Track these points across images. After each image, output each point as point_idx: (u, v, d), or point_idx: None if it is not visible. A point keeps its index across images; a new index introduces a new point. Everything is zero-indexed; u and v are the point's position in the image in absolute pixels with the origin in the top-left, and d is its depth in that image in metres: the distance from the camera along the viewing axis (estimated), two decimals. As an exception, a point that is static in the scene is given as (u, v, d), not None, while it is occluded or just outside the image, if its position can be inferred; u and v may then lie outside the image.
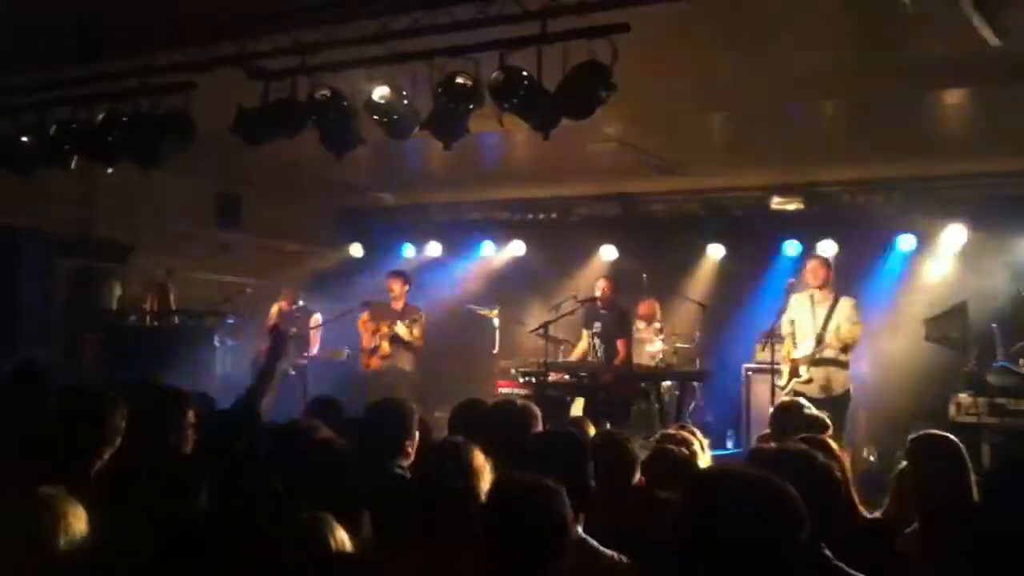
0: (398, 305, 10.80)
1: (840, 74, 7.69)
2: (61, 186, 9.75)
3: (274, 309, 11.32)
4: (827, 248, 10.95)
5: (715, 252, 12.09)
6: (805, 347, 8.92)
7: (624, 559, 3.44)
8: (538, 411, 4.92)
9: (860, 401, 9.68)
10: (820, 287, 8.97)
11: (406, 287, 10.86)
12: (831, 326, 8.73)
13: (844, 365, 8.82)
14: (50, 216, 10.44)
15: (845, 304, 8.86)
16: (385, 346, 10.64)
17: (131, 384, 5.38)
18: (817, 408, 8.07)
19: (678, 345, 11.49)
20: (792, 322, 9.11)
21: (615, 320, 9.85)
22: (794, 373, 8.94)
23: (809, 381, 8.80)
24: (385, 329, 10.62)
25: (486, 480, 3.54)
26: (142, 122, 7.28)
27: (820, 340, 8.78)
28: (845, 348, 8.73)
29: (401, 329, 10.51)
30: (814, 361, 8.82)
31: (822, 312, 8.89)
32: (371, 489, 4.33)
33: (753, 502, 2.47)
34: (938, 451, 4.29)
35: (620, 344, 9.63)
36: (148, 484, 4.09)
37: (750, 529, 2.42)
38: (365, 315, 10.91)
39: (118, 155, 7.67)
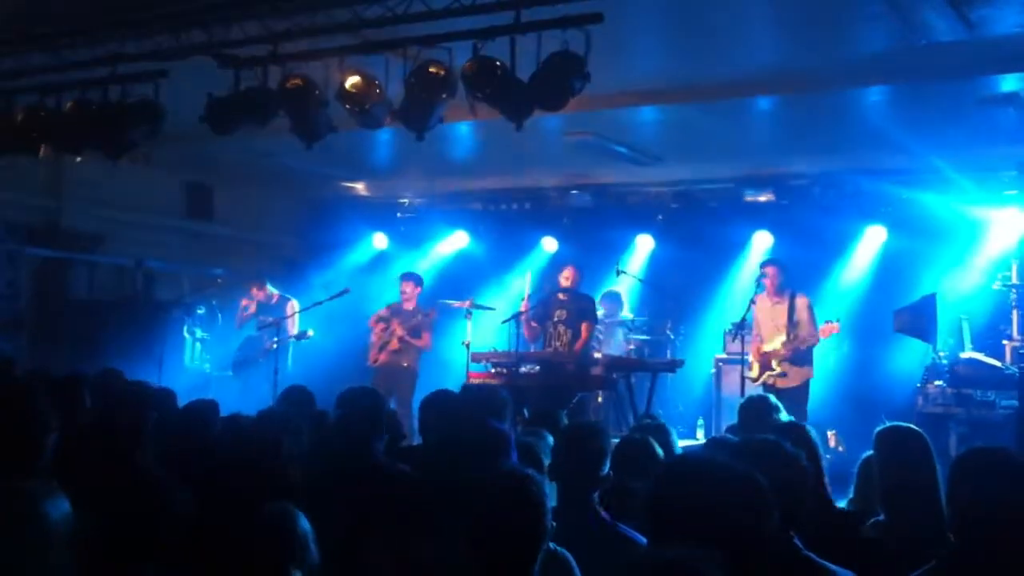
0: (409, 306, 10.91)
1: (805, 68, 7.76)
2: (28, 175, 9.64)
3: (252, 305, 11.19)
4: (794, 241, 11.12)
5: (686, 243, 12.00)
6: (775, 343, 9.33)
7: None
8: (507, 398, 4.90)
9: (829, 391, 9.78)
10: (777, 292, 9.42)
11: (418, 289, 10.99)
12: (795, 321, 9.26)
13: (808, 358, 9.27)
14: (17, 205, 10.32)
15: (801, 303, 9.36)
16: (395, 342, 10.77)
17: (95, 375, 5.32)
18: (783, 397, 8.59)
19: (648, 336, 11.53)
20: (757, 322, 9.59)
21: (581, 306, 9.66)
22: (766, 366, 9.33)
23: (783, 374, 9.27)
24: (398, 329, 10.75)
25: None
26: (110, 111, 7.20)
27: (789, 335, 9.22)
28: (808, 342, 9.21)
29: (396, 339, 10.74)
30: (784, 355, 9.24)
31: (781, 309, 9.35)
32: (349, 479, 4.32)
33: (720, 490, 2.47)
34: (904, 443, 4.31)
35: (584, 327, 9.49)
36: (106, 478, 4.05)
37: (716, 517, 2.42)
38: (378, 313, 11.04)
39: (86, 144, 7.60)
